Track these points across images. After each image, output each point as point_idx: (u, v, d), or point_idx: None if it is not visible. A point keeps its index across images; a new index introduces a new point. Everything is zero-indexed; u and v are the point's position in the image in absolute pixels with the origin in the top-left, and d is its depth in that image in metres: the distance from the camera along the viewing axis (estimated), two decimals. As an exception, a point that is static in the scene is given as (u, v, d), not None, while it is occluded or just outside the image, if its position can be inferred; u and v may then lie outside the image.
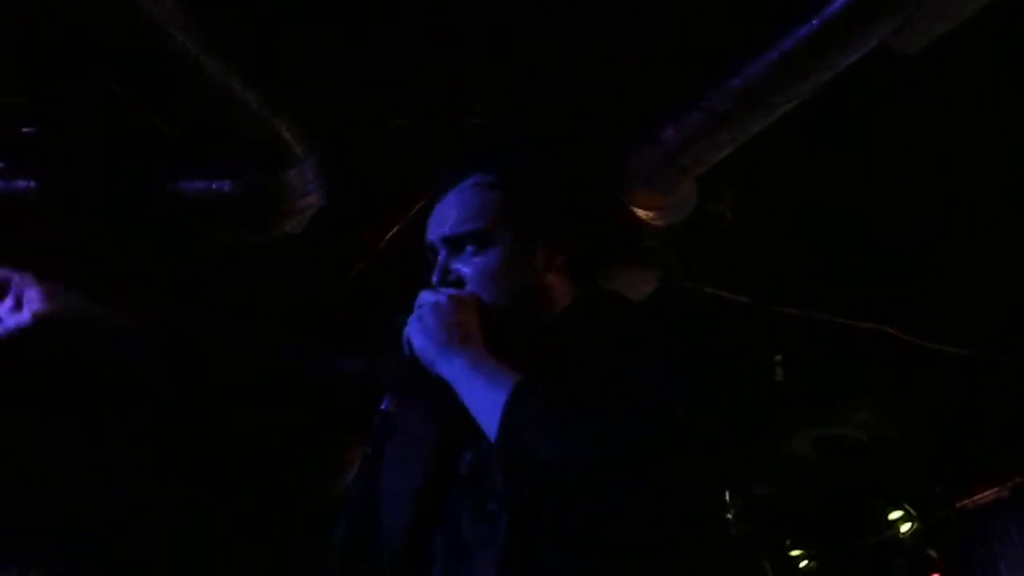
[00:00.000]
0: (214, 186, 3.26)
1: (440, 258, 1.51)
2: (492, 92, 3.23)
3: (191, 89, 2.85)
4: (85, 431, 4.62)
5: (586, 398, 1.31)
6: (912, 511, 5.59)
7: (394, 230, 3.67)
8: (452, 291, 1.47)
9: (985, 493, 5.36)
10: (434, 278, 1.50)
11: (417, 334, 1.43)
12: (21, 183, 3.25)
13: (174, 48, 2.68)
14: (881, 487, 5.65)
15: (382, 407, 1.45)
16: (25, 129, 3.27)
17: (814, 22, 2.72)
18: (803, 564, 6.13)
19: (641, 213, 3.48)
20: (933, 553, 5.53)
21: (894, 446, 5.28)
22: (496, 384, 1.34)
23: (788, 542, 6.17)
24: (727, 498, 1.43)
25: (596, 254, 1.57)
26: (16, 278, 1.58)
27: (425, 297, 1.47)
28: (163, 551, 4.89)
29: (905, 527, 5.61)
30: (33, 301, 1.56)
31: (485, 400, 1.34)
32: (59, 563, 4.84)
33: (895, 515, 5.64)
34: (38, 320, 1.55)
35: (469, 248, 1.49)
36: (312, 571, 4.75)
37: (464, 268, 1.49)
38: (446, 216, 1.52)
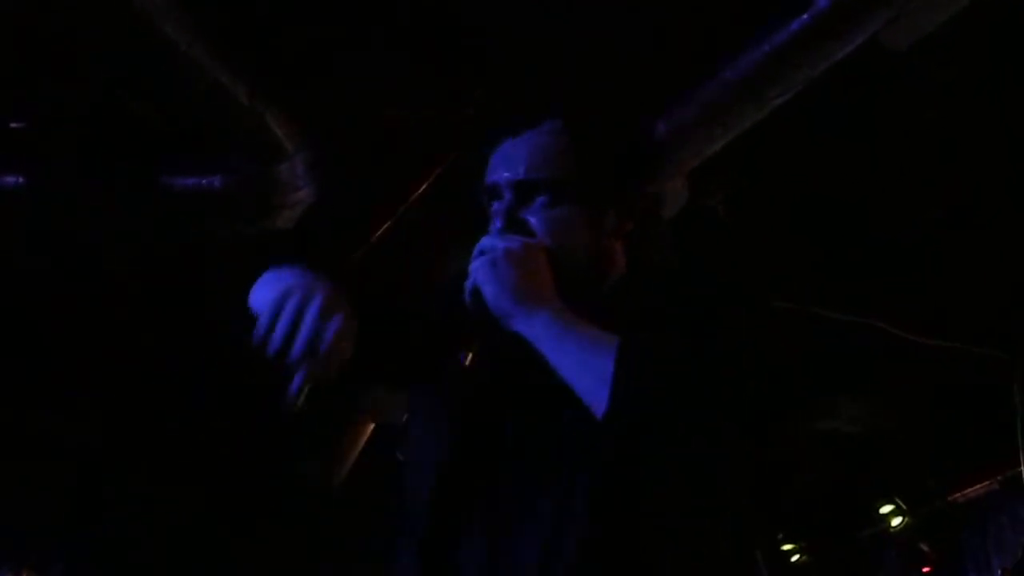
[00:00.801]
0: (204, 181, 3.25)
1: (505, 202, 1.36)
2: (483, 86, 3.22)
3: (181, 83, 2.83)
4: (82, 427, 4.61)
5: (691, 354, 1.18)
6: (904, 505, 5.61)
7: (386, 225, 3.66)
8: (525, 238, 1.31)
9: (977, 487, 5.38)
10: (497, 223, 1.34)
11: (490, 283, 1.27)
12: (10, 178, 3.24)
13: (164, 41, 2.67)
14: (873, 481, 5.66)
15: (460, 360, 1.30)
16: (13, 124, 3.25)
17: (805, 15, 2.71)
18: (795, 558, 6.15)
19: (633, 207, 3.47)
20: (925, 547, 5.55)
21: (886, 440, 5.29)
22: (596, 345, 1.20)
23: (780, 536, 6.18)
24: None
25: (658, 226, 1.50)
26: None
27: (490, 242, 1.31)
28: (159, 547, 4.88)
29: (897, 521, 5.63)
30: None
31: (583, 363, 1.20)
32: (56, 562, 4.83)
33: (887, 509, 5.66)
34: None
35: (540, 199, 1.35)
36: (310, 564, 4.75)
37: (533, 218, 1.35)
38: (519, 158, 1.37)
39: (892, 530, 5.67)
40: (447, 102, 3.28)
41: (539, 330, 1.24)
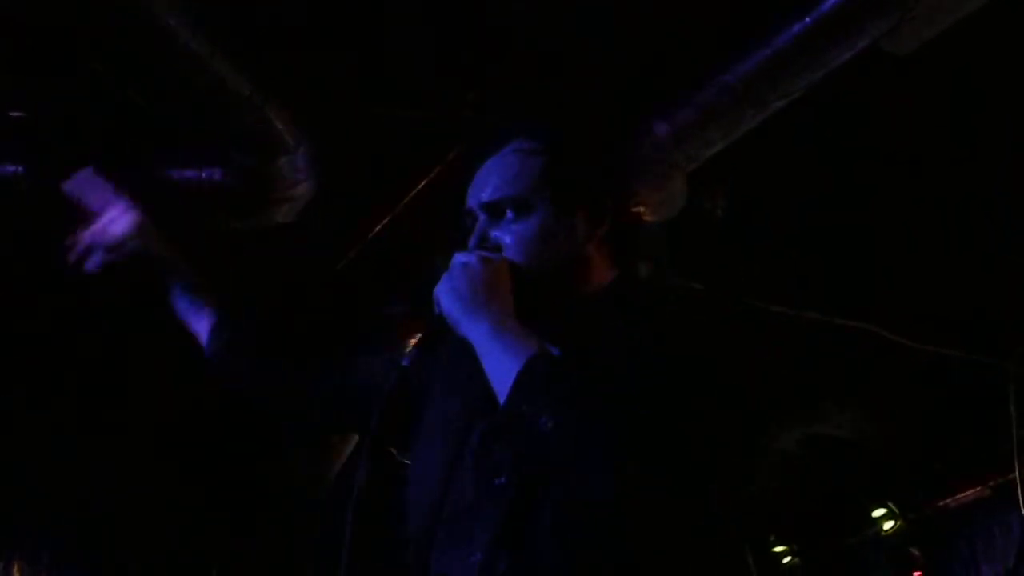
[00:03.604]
0: (204, 174, 3.24)
1: (479, 224, 1.47)
2: (484, 83, 3.23)
3: (182, 76, 2.83)
4: (74, 421, 4.60)
5: (599, 380, 1.26)
6: (895, 509, 5.62)
7: (386, 220, 3.66)
8: (485, 253, 1.42)
9: (967, 492, 5.39)
10: (471, 243, 1.46)
11: (445, 293, 1.39)
12: (9, 168, 3.24)
13: (165, 34, 2.67)
14: (864, 485, 5.68)
15: (403, 362, 1.43)
16: (14, 113, 3.25)
17: (807, 19, 2.72)
18: (786, 560, 6.16)
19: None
20: (915, 551, 5.56)
21: (878, 444, 5.31)
22: (516, 350, 1.29)
23: (772, 538, 6.20)
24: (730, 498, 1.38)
25: (639, 232, 1.52)
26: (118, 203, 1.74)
27: (457, 258, 1.42)
28: (149, 538, 4.88)
29: (888, 525, 5.64)
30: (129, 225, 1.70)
31: (502, 365, 1.29)
32: (42, 552, 4.83)
33: (878, 513, 5.67)
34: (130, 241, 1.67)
35: (508, 214, 1.45)
36: (303, 560, 4.75)
37: (503, 235, 1.44)
38: (486, 181, 1.47)
39: (883, 534, 5.69)
40: (446, 101, 3.29)
41: (480, 335, 1.35)
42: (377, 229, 3.70)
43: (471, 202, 1.49)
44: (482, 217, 1.47)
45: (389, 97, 3.27)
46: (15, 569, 4.80)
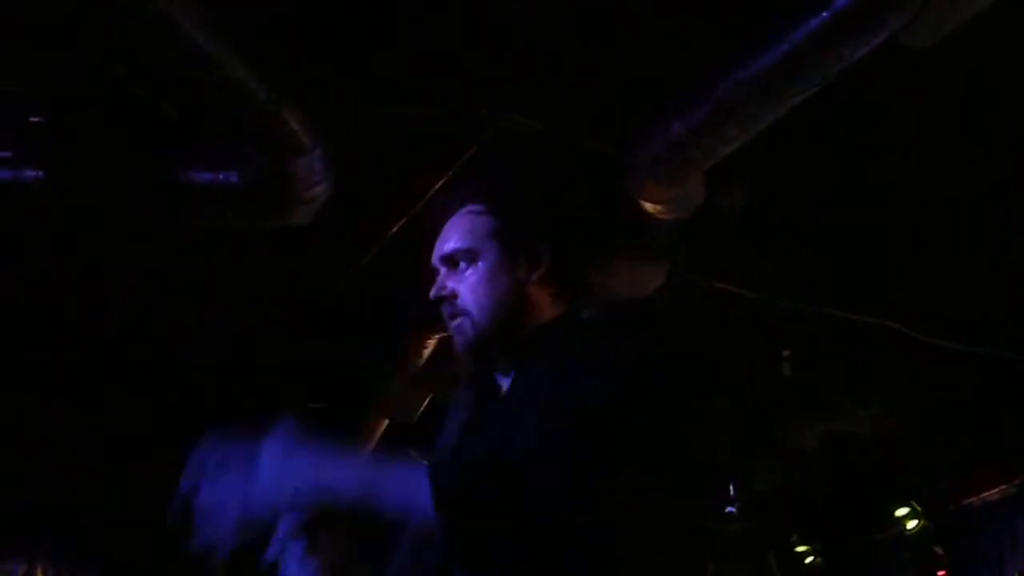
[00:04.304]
0: (221, 176, 3.25)
1: (440, 277, 1.72)
2: (498, 82, 3.22)
3: (198, 78, 2.84)
4: (92, 421, 4.63)
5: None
6: (918, 508, 5.59)
7: (402, 221, 3.67)
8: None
9: (991, 490, 5.36)
10: (432, 293, 1.71)
11: None
12: (29, 172, 3.25)
13: (182, 36, 2.68)
14: (888, 483, 5.64)
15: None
16: (33, 118, 3.27)
17: (824, 13, 2.70)
18: (809, 559, 6.14)
19: (648, 206, 3.47)
20: (939, 550, 5.53)
21: (901, 442, 5.27)
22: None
23: (794, 537, 6.17)
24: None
25: (580, 273, 1.76)
26: None
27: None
28: (167, 540, 4.90)
29: (911, 524, 5.61)
30: None
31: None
32: (64, 553, 4.86)
33: (901, 511, 5.64)
34: None
35: (461, 265, 1.70)
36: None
37: (457, 284, 1.69)
38: (445, 240, 1.74)
39: (906, 533, 5.65)
40: (462, 102, 3.29)
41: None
42: (394, 230, 3.71)
43: (434, 259, 1.75)
44: (442, 270, 1.72)
45: (406, 98, 3.28)
46: (38, 570, 4.84)
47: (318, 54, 3.12)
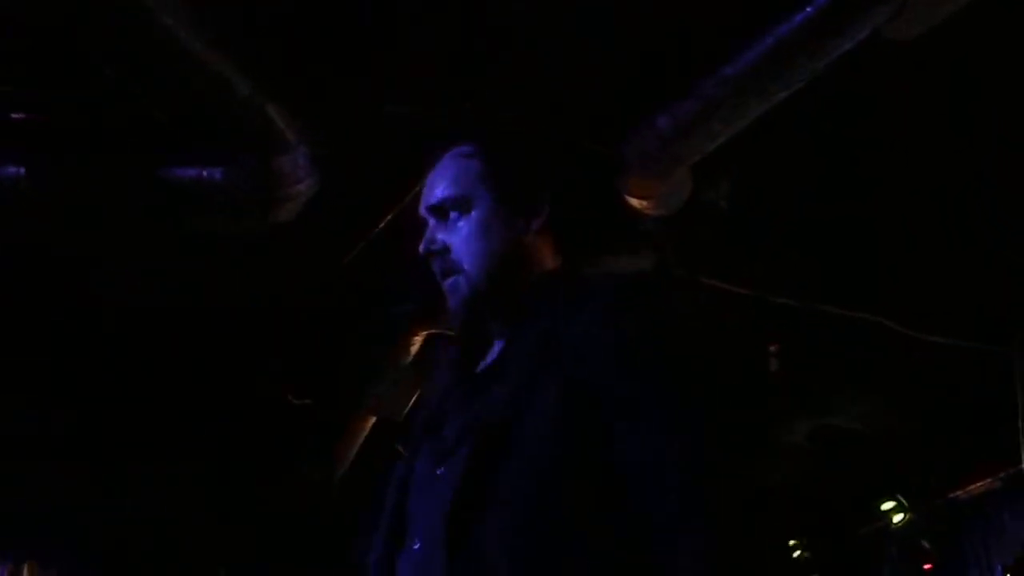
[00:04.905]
0: (205, 173, 3.24)
1: (429, 229, 1.54)
2: (484, 78, 3.22)
3: (183, 75, 2.83)
4: (84, 425, 4.61)
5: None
6: (905, 502, 5.60)
7: (388, 217, 3.65)
8: None
9: (978, 484, 5.37)
10: (421, 248, 1.53)
11: None
12: (11, 169, 3.24)
13: (165, 33, 2.66)
14: (874, 477, 5.66)
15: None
16: (14, 115, 3.25)
17: (809, 8, 2.70)
18: (796, 554, 6.15)
19: (635, 202, 3.47)
20: (926, 544, 5.54)
21: (887, 437, 5.29)
22: None
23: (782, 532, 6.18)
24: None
25: (581, 224, 1.61)
26: None
27: None
28: (158, 539, 4.89)
29: (898, 518, 5.62)
30: None
31: None
32: (52, 552, 4.84)
33: (888, 505, 5.65)
34: None
35: (452, 215, 1.52)
36: (303, 563, 4.76)
37: (449, 236, 1.52)
38: (431, 188, 1.56)
39: (893, 527, 5.67)
40: (447, 98, 3.28)
41: None
42: (380, 227, 3.70)
43: (421, 209, 1.58)
44: (431, 222, 1.55)
45: (390, 95, 3.27)
46: (25, 569, 4.81)
47: (318, 54, 3.11)
